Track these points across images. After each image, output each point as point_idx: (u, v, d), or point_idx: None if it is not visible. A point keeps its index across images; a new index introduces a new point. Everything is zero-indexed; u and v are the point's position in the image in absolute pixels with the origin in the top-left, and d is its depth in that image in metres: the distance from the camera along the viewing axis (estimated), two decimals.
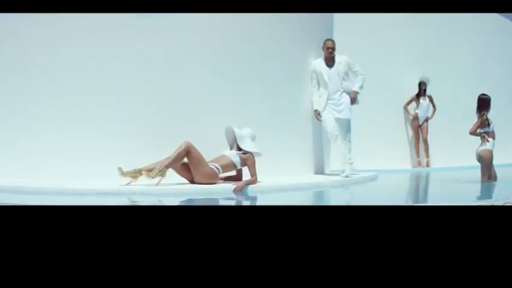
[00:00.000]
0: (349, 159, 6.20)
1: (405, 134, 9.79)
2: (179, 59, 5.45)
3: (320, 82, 6.34)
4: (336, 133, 6.23)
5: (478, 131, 5.91)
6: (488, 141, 5.84)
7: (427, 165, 9.55)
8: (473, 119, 6.02)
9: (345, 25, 8.01)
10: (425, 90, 9.63)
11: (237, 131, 5.05)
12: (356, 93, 6.36)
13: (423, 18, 9.55)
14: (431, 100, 9.71)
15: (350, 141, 6.30)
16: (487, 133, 5.88)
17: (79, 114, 5.31)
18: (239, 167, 5.01)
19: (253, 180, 4.86)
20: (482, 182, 5.85)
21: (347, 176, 6.10)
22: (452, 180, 7.13)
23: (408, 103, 9.72)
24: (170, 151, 4.79)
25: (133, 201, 4.10)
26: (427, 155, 9.61)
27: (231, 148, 5.15)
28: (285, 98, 6.20)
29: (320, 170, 6.75)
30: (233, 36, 5.74)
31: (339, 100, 6.27)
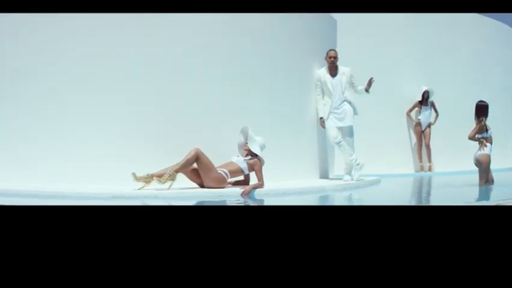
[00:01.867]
0: (355, 161, 6.55)
1: (407, 139, 10.21)
2: (180, 59, 5.67)
3: (324, 91, 6.81)
4: (337, 141, 6.69)
5: (476, 136, 6.24)
6: (486, 146, 6.18)
7: (429, 170, 9.95)
8: (473, 124, 6.34)
9: (345, 26, 8.30)
10: (427, 98, 9.98)
11: (250, 133, 5.42)
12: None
13: (423, 20, 9.95)
14: (433, 106, 10.08)
15: (352, 146, 6.66)
16: (485, 138, 6.27)
17: (79, 115, 5.51)
18: (246, 172, 5.39)
19: (260, 185, 5.23)
20: (479, 185, 6.20)
21: (353, 179, 6.59)
22: (450, 184, 7.50)
23: (411, 110, 10.11)
24: (171, 152, 5.09)
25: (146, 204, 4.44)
26: (429, 160, 10.02)
27: (239, 155, 5.49)
28: (289, 102, 6.56)
29: (324, 175, 7.13)
30: (234, 36, 5.99)
31: (340, 108, 6.71)
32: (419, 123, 10.07)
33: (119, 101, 5.53)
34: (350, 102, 6.79)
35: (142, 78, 5.57)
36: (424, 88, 9.99)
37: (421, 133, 10.08)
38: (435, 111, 10.17)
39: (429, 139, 10.04)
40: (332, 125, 6.73)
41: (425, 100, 10.08)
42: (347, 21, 8.51)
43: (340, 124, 6.72)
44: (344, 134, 6.74)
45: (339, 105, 6.72)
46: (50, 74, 5.57)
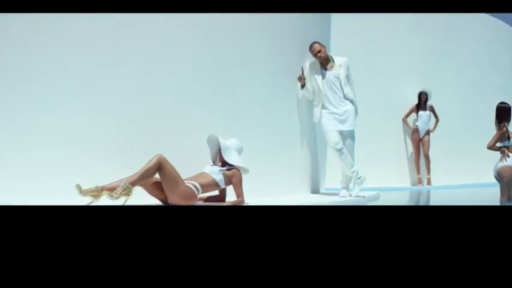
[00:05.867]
0: (356, 173, 5.80)
1: (404, 148, 9.51)
2: (150, 59, 5.04)
3: (314, 87, 5.84)
4: (339, 147, 5.77)
5: (497, 145, 5.53)
6: (508, 156, 5.53)
7: (428, 183, 9.29)
8: (479, 131, 5.70)
9: (340, 26, 7.73)
10: (425, 101, 9.27)
11: (222, 140, 4.73)
12: None
13: (422, 21, 9.47)
14: (432, 110, 9.41)
15: (353, 155, 5.89)
16: (507, 147, 5.55)
17: (46, 128, 4.93)
18: (223, 186, 4.65)
19: (239, 202, 4.53)
20: (501, 202, 5.51)
21: (350, 196, 5.80)
22: (462, 200, 6.69)
23: (408, 115, 9.49)
24: (133, 163, 4.35)
25: None
26: (428, 172, 9.33)
27: (214, 164, 4.76)
28: (276, 107, 5.78)
29: (316, 188, 6.41)
30: (215, 37, 5.32)
31: (341, 108, 5.82)
32: (416, 130, 9.35)
33: (93, 111, 4.93)
34: (352, 101, 5.87)
35: (118, 84, 4.96)
36: (420, 89, 9.28)
37: (419, 141, 9.37)
38: (435, 116, 9.45)
39: (428, 148, 9.33)
40: (332, 128, 5.77)
41: (422, 103, 9.37)
42: (342, 21, 7.91)
43: (341, 127, 5.79)
44: (344, 139, 5.82)
45: (337, 104, 5.80)
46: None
